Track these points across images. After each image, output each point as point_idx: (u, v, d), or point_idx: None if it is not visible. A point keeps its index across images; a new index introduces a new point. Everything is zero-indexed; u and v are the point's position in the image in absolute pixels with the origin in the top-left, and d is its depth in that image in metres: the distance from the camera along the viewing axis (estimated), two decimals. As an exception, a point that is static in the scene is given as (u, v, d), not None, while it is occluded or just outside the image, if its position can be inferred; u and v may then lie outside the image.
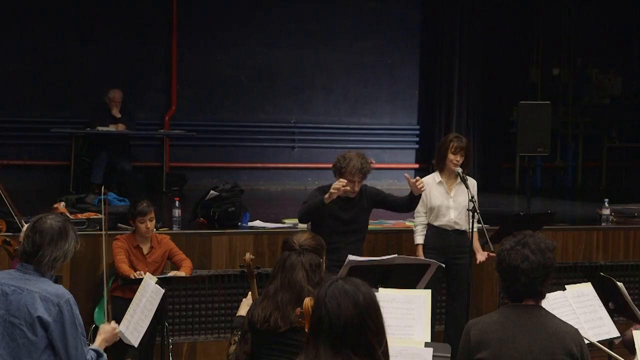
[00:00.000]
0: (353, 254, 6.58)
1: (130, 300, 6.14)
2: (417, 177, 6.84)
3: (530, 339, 3.74)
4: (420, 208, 7.27)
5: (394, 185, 13.40)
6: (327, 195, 6.53)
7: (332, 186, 6.57)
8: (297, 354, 3.04)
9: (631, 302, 5.83)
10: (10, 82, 12.00)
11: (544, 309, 3.86)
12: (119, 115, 11.21)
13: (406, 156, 13.57)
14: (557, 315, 3.98)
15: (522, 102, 9.59)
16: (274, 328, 4.25)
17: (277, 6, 13.01)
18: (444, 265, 6.56)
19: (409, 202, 6.93)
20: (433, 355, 4.29)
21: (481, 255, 7.25)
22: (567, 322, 3.96)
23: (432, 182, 7.27)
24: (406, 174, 6.97)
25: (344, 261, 6.48)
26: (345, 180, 6.59)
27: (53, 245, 4.09)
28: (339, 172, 6.77)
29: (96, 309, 7.14)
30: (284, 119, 13.15)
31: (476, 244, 7.20)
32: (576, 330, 3.85)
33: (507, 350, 3.74)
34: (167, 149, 12.22)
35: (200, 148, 12.73)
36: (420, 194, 6.85)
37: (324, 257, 4.51)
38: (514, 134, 11.05)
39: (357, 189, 6.75)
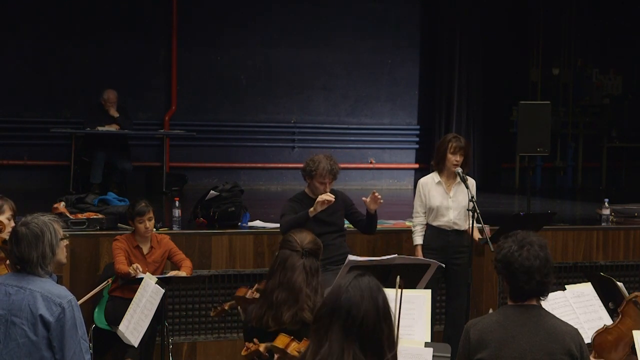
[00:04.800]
0: (340, 249, 6.66)
1: (130, 300, 6.15)
2: (374, 191, 6.86)
3: (529, 339, 3.75)
4: (419, 208, 7.28)
5: (394, 185, 13.42)
6: (312, 209, 6.54)
7: (318, 199, 6.56)
8: None
9: (631, 302, 5.82)
10: (10, 82, 12.00)
11: (544, 308, 3.87)
12: (116, 115, 11.19)
13: (406, 156, 13.57)
14: (557, 315, 3.99)
15: (522, 102, 9.59)
16: (265, 327, 4.25)
17: (277, 6, 13.01)
18: (444, 266, 6.56)
19: (367, 223, 7.01)
20: (433, 355, 4.29)
21: (478, 233, 7.18)
22: (567, 322, 3.96)
23: (431, 183, 7.26)
24: (363, 197, 6.93)
25: (333, 257, 6.52)
26: (333, 196, 6.60)
27: (33, 248, 4.12)
28: (309, 175, 6.82)
29: (96, 309, 7.14)
30: (284, 119, 13.16)
31: (475, 232, 7.16)
32: (576, 330, 3.85)
33: (506, 350, 3.74)
34: (167, 149, 12.21)
35: (200, 148, 12.73)
36: (375, 213, 6.89)
37: (319, 260, 4.52)
38: (514, 134, 11.05)
39: (328, 189, 6.82)
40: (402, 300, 5.04)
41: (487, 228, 7.41)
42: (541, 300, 3.87)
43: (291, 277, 4.29)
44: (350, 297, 2.88)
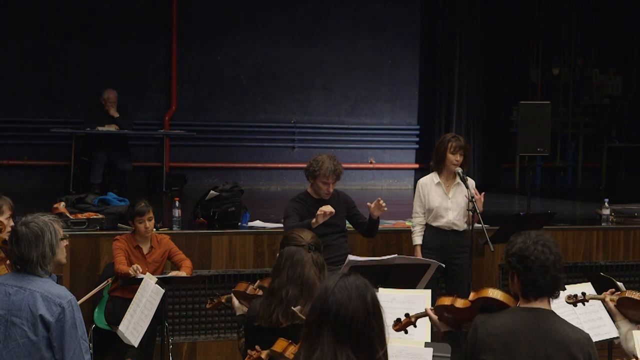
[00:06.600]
0: (341, 250, 6.66)
1: (130, 300, 6.15)
2: (379, 198, 6.85)
3: (534, 345, 3.69)
4: (418, 209, 7.27)
5: (394, 185, 13.42)
6: (314, 220, 6.54)
7: (319, 211, 6.56)
8: None
9: (631, 302, 5.81)
10: (10, 82, 12.00)
11: (555, 313, 3.79)
12: (116, 115, 11.17)
13: (406, 156, 13.57)
14: (559, 316, 3.94)
15: (522, 102, 9.59)
16: (275, 324, 4.24)
17: (277, 6, 13.01)
18: (444, 265, 6.57)
19: (368, 227, 7.02)
20: (433, 355, 4.28)
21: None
22: (570, 322, 3.90)
23: (430, 183, 7.26)
24: (368, 203, 6.93)
25: (334, 258, 6.51)
26: (333, 209, 6.59)
27: (33, 247, 4.13)
28: (312, 175, 6.83)
29: (96, 309, 7.14)
30: (284, 119, 13.16)
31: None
32: (586, 337, 3.76)
33: (509, 356, 3.70)
34: (167, 149, 12.22)
35: (200, 148, 12.73)
36: (378, 219, 6.91)
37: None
38: (514, 134, 11.05)
39: (331, 190, 6.85)
40: (403, 300, 5.05)
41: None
42: (552, 301, 3.80)
43: (302, 271, 4.27)
44: (338, 299, 2.87)
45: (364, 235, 7.30)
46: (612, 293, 4.76)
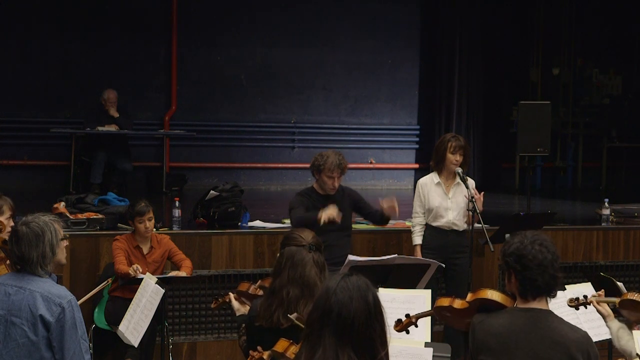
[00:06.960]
0: (344, 250, 6.67)
1: (130, 300, 6.16)
2: (393, 200, 6.86)
3: (533, 346, 3.69)
4: (418, 209, 7.28)
5: (394, 185, 13.42)
6: (319, 217, 6.53)
7: (324, 216, 6.54)
8: None
9: (631, 302, 5.80)
10: (10, 82, 12.00)
11: (553, 313, 3.79)
12: (116, 115, 11.17)
13: (406, 156, 13.57)
14: (557, 316, 3.93)
15: (522, 102, 9.61)
16: (276, 325, 4.24)
17: (277, 6, 13.01)
18: (444, 265, 6.57)
19: (379, 219, 7.09)
20: (433, 355, 4.29)
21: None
22: (569, 322, 3.89)
23: (430, 183, 7.27)
24: (381, 201, 6.95)
25: (337, 258, 6.52)
26: (339, 213, 6.60)
27: (34, 247, 4.13)
28: (317, 170, 6.84)
29: (96, 309, 7.14)
30: (284, 119, 13.16)
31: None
32: (585, 336, 3.75)
33: (509, 357, 3.69)
34: (167, 149, 12.22)
35: (200, 148, 12.73)
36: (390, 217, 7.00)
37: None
38: (514, 134, 11.05)
39: (336, 185, 6.86)
40: (403, 300, 5.06)
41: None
42: (549, 300, 3.79)
43: (303, 272, 4.26)
44: (339, 300, 2.87)
45: (375, 224, 7.32)
46: (598, 295, 4.78)
